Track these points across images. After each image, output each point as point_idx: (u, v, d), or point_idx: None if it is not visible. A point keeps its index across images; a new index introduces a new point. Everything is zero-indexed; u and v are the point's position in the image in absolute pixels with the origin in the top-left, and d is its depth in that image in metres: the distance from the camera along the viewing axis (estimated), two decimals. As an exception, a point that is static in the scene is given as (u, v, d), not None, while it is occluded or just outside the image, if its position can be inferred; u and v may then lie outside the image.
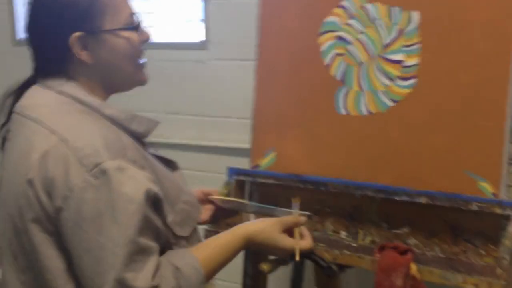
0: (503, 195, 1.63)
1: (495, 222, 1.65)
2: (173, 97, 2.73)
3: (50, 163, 1.16)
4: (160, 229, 1.21)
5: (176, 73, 2.72)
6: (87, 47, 1.26)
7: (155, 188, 1.18)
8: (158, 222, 1.20)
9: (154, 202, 1.19)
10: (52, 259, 1.19)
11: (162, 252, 1.23)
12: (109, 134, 1.21)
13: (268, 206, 1.61)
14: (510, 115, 1.63)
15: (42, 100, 1.28)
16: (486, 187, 1.65)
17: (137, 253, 1.12)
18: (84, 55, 1.26)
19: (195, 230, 1.38)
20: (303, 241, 1.48)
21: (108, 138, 1.19)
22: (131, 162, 1.17)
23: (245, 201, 1.54)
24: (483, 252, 1.68)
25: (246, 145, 2.51)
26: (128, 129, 1.27)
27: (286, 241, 1.44)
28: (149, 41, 1.36)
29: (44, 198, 1.17)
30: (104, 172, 1.13)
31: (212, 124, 2.67)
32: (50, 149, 1.18)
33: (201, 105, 2.68)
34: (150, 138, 2.62)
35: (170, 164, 1.42)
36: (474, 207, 1.65)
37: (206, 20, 2.64)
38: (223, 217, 1.68)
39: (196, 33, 2.74)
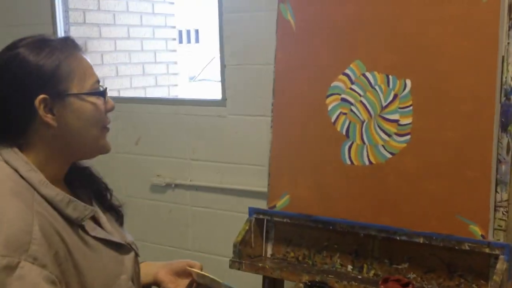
0: (491, 237, 1.55)
1: (484, 261, 1.58)
2: (197, 145, 2.67)
3: None
4: None
5: (200, 125, 2.66)
6: (52, 110, 1.07)
7: None
8: None
9: None
10: None
11: None
12: (19, 224, 0.97)
13: None
14: (495, 166, 1.56)
15: None
16: (476, 230, 1.57)
17: None
18: (49, 118, 1.06)
19: None
20: None
21: (15, 229, 0.96)
22: (30, 259, 0.95)
23: (219, 280, 1.24)
24: (475, 286, 1.60)
25: (259, 188, 2.46)
26: (62, 212, 1.05)
27: None
28: (113, 110, 1.17)
29: None
30: None
31: (230, 169, 2.60)
32: None
33: (221, 153, 2.61)
34: (177, 180, 2.52)
35: (121, 248, 1.17)
36: (466, 247, 1.57)
37: (224, 81, 2.60)
38: None
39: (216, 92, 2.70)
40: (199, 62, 16.48)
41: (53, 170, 1.10)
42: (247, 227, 1.92)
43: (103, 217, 1.19)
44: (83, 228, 1.09)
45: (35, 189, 1.04)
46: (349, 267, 1.81)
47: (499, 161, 1.56)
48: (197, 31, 22.98)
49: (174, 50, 3.90)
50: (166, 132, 2.73)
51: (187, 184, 2.68)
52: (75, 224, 1.07)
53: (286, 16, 1.91)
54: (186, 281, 1.27)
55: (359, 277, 1.76)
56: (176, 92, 3.91)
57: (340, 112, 1.81)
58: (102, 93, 1.13)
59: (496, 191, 1.56)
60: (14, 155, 1.06)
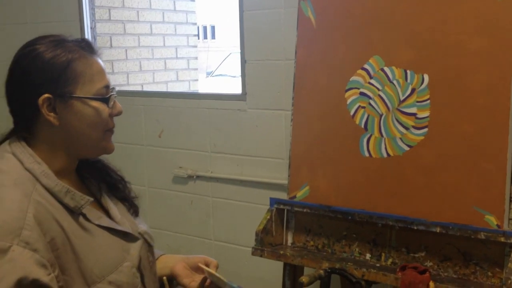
0: (506, 227, 1.57)
1: (500, 250, 1.60)
2: (218, 138, 2.71)
3: None
4: None
5: (220, 119, 2.70)
6: (55, 110, 1.09)
7: (37, 274, 0.98)
8: None
9: (35, 287, 0.99)
10: None
11: None
12: (12, 211, 1.01)
13: None
14: (511, 158, 1.58)
15: None
16: (492, 220, 1.59)
17: None
18: (51, 117, 1.09)
19: None
20: None
21: (8, 216, 1.01)
22: (22, 243, 0.98)
23: (225, 280, 1.23)
24: (490, 274, 1.62)
25: (278, 180, 2.50)
26: (61, 202, 1.09)
27: None
28: (120, 115, 1.18)
29: None
30: None
31: (250, 162, 2.63)
32: None
33: (241, 146, 2.65)
34: (198, 172, 2.54)
35: (127, 236, 1.19)
36: (482, 236, 1.59)
37: (244, 76, 2.63)
38: None
39: (238, 87, 2.73)
40: (216, 58, 16.61)
41: (59, 163, 1.13)
42: (268, 217, 1.96)
43: (113, 207, 1.21)
44: (85, 217, 1.11)
45: (37, 179, 1.08)
46: (368, 256, 1.84)
47: (514, 154, 1.58)
48: (213, 27, 23.02)
49: (195, 46, 3.95)
50: (188, 125, 2.77)
51: (208, 176, 2.72)
52: (76, 213, 1.10)
53: (307, 13, 1.94)
54: (200, 277, 1.28)
55: (377, 265, 1.79)
56: (196, 87, 3.96)
57: (359, 106, 1.84)
58: (106, 100, 1.13)
59: (511, 183, 1.57)
60: (20, 148, 1.10)
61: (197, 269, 1.31)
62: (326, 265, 1.80)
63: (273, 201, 1.99)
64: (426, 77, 1.71)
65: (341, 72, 1.87)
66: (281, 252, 1.91)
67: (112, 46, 3.38)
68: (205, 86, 7.76)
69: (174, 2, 3.76)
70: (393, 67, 1.77)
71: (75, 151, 1.15)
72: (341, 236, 1.90)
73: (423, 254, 1.74)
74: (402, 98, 1.76)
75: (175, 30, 3.74)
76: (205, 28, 22.57)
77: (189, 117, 2.77)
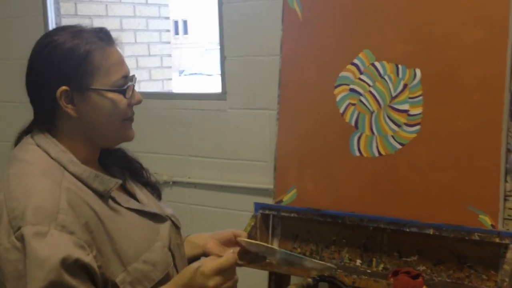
0: (501, 227, 1.69)
1: (494, 251, 1.71)
2: (196, 141, 2.78)
3: None
4: None
5: (198, 120, 2.77)
6: (73, 102, 1.19)
7: (78, 254, 1.09)
8: (82, 286, 1.10)
9: (78, 267, 1.10)
10: None
11: None
12: (47, 197, 1.13)
13: (296, 255, 1.42)
14: (505, 156, 1.69)
15: (22, 154, 1.23)
16: (486, 220, 1.71)
17: None
18: (69, 109, 1.19)
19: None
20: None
21: (43, 202, 1.12)
22: (58, 227, 1.10)
23: (275, 247, 1.35)
24: (485, 277, 1.73)
25: (261, 185, 2.57)
26: (90, 187, 1.20)
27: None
28: (139, 104, 1.28)
29: None
30: (22, 236, 1.08)
31: (230, 166, 2.71)
32: None
33: (221, 149, 2.72)
34: (175, 177, 2.60)
35: (156, 217, 1.31)
36: (476, 237, 1.70)
37: (224, 74, 2.71)
38: (248, 261, 1.43)
39: (217, 86, 2.79)
40: (189, 55, 16.59)
41: (82, 152, 1.24)
42: (252, 223, 2.05)
43: (138, 191, 1.34)
44: (114, 200, 1.23)
45: (64, 168, 1.19)
46: (358, 262, 1.94)
47: (508, 151, 1.69)
48: (185, 22, 23.07)
49: (168, 42, 4.03)
50: (163, 127, 2.84)
51: (186, 181, 2.80)
52: (105, 197, 1.21)
53: (293, 5, 2.05)
54: (235, 250, 1.35)
55: (368, 271, 1.89)
56: (170, 87, 4.03)
57: (349, 103, 1.94)
58: (122, 91, 1.23)
59: (505, 181, 1.69)
60: (45, 139, 1.22)
61: (228, 243, 1.44)
62: (314, 272, 1.89)
63: (258, 206, 2.08)
64: (418, 72, 1.83)
65: (330, 68, 1.97)
66: (267, 260, 1.98)
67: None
68: (178, 85, 7.82)
69: (146, -6, 3.84)
70: (384, 62, 1.88)
71: (95, 141, 1.26)
72: (330, 242, 2.00)
73: (415, 258, 1.85)
74: (394, 94, 1.87)
75: (147, 25, 3.81)
76: (176, 23, 22.60)
77: (164, 119, 2.84)
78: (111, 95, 1.22)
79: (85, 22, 3.50)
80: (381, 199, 1.87)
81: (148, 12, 3.88)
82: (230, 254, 1.22)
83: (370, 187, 1.89)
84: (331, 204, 1.94)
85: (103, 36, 1.22)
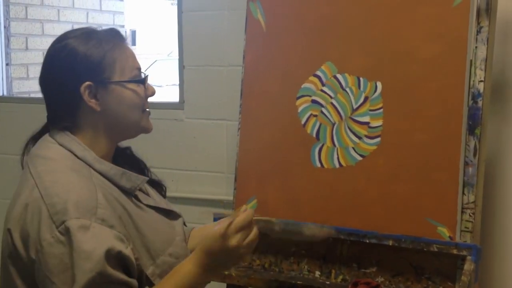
0: (459, 239, 1.74)
1: (452, 262, 1.75)
2: (150, 151, 2.71)
3: (28, 216, 1.19)
4: (127, 283, 1.19)
5: (154, 129, 2.74)
6: (96, 96, 1.29)
7: (119, 246, 1.17)
8: (123, 277, 1.18)
9: (119, 259, 1.18)
10: None
11: None
12: (85, 192, 1.20)
13: (293, 222, 1.57)
14: (463, 169, 1.75)
15: (45, 152, 1.29)
16: (444, 232, 1.75)
17: None
18: (93, 103, 1.28)
19: None
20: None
21: (82, 196, 1.19)
22: (99, 221, 1.17)
23: (272, 219, 1.43)
24: (442, 288, 1.78)
25: (218, 196, 2.58)
26: (117, 184, 1.28)
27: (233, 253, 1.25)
28: (153, 95, 1.40)
29: (20, 247, 1.20)
30: (67, 230, 1.14)
31: (187, 177, 2.70)
32: (30, 203, 1.20)
33: (177, 159, 2.71)
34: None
35: (170, 214, 1.43)
36: (434, 248, 1.75)
37: (183, 83, 2.71)
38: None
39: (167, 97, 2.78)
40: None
41: (101, 149, 1.32)
42: (211, 233, 2.04)
43: (150, 190, 1.44)
44: (136, 198, 1.32)
45: (90, 166, 1.27)
46: (317, 273, 1.96)
47: (466, 164, 1.75)
48: (133, 32, 22.86)
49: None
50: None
51: (140, 192, 2.76)
52: (130, 194, 1.30)
53: (256, 15, 2.07)
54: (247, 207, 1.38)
55: (327, 282, 1.91)
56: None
57: (311, 114, 1.97)
58: (142, 81, 1.34)
59: (463, 193, 1.75)
60: (67, 138, 1.29)
61: None
62: (275, 285, 1.91)
63: (216, 217, 2.07)
64: (379, 85, 1.88)
65: (292, 79, 2.00)
66: (226, 272, 1.99)
67: (28, 48, 3.37)
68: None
69: (100, 1, 3.81)
70: (346, 74, 1.93)
71: (117, 135, 1.35)
72: (289, 253, 2.01)
73: (374, 269, 1.88)
74: (355, 106, 1.91)
75: (101, 32, 3.77)
76: (125, 33, 22.32)
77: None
78: (131, 86, 1.32)
79: (35, 27, 3.44)
80: (341, 210, 1.90)
81: (101, 19, 3.85)
82: (244, 211, 1.27)
83: (330, 198, 1.92)
84: (292, 215, 1.95)
85: (115, 35, 1.34)
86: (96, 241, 1.14)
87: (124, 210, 1.25)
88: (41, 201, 1.19)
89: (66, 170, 1.24)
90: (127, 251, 1.19)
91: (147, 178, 1.36)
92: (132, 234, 1.24)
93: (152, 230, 1.30)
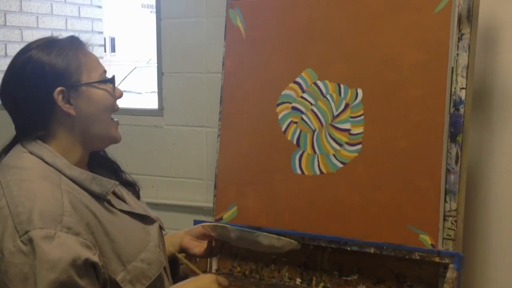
0: (441, 247, 1.69)
1: (434, 270, 1.71)
2: (130, 157, 2.68)
3: None
4: None
5: (133, 136, 2.68)
6: (69, 101, 1.27)
7: (86, 254, 1.15)
8: (90, 286, 1.16)
9: (87, 266, 1.16)
10: None
11: None
12: (50, 201, 1.17)
13: (249, 230, 1.53)
14: (445, 176, 1.71)
15: (15, 161, 1.26)
16: (426, 239, 1.71)
17: None
18: (67, 108, 1.26)
19: (155, 285, 1.33)
20: None
21: (47, 205, 1.16)
22: (64, 229, 1.14)
23: (228, 226, 1.47)
24: (424, 295, 1.73)
25: (198, 203, 2.52)
26: (87, 189, 1.25)
27: None
28: (121, 97, 1.38)
29: None
30: (31, 240, 1.11)
31: (166, 183, 2.64)
32: None
33: (156, 166, 2.65)
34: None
35: (146, 219, 1.39)
36: (416, 256, 1.70)
37: (161, 90, 2.65)
38: (217, 252, 1.61)
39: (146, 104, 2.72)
40: (117, 73, 16.24)
41: (75, 156, 1.29)
42: (190, 241, 1.97)
43: (125, 194, 1.40)
44: (109, 203, 1.28)
45: (60, 172, 1.24)
46: (298, 280, 1.90)
47: (448, 171, 1.71)
48: (112, 40, 22.69)
49: (101, 58, 3.91)
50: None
51: (119, 199, 2.68)
52: (101, 199, 1.27)
53: (236, 22, 2.01)
54: (206, 242, 1.52)
55: (309, 290, 1.86)
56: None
57: (291, 121, 1.91)
58: (111, 80, 1.34)
59: (445, 201, 1.70)
60: (37, 146, 1.26)
61: (202, 238, 1.59)
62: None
63: (197, 223, 2.00)
64: (360, 91, 1.82)
65: (272, 85, 1.94)
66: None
67: (7, 55, 3.28)
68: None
69: (79, 8, 3.72)
70: (327, 81, 1.87)
71: (90, 141, 1.32)
72: (270, 260, 1.95)
73: (355, 277, 1.83)
74: (335, 113, 1.86)
75: (80, 38, 3.69)
76: (104, 40, 22.17)
77: (98, 134, 2.73)
78: (102, 86, 1.31)
79: (14, 34, 3.37)
80: (322, 217, 1.84)
81: (80, 26, 3.76)
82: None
83: (311, 205, 1.86)
84: (272, 222, 1.90)
85: (75, 41, 1.33)
86: (62, 250, 1.12)
87: (93, 216, 1.22)
88: (7, 210, 1.16)
89: (35, 178, 1.21)
90: (95, 258, 1.17)
91: (117, 183, 1.32)
92: (101, 240, 1.21)
93: (123, 236, 1.27)
